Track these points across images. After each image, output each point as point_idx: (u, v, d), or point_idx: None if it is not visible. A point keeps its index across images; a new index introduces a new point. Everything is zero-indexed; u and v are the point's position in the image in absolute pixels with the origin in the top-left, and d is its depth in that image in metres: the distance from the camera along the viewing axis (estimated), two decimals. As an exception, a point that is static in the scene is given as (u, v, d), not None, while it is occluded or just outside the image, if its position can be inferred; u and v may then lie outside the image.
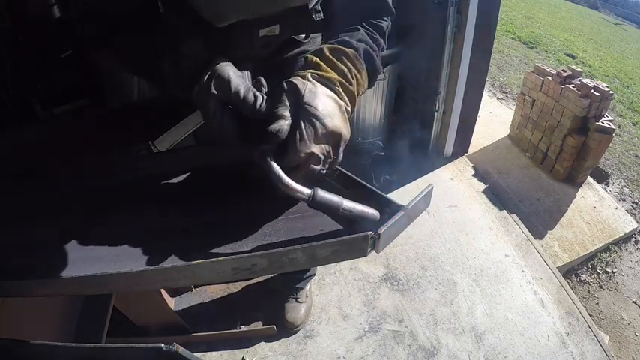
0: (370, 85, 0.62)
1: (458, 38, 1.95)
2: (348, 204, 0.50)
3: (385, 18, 0.68)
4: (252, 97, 0.50)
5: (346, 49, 0.57)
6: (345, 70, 0.55)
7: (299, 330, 1.43)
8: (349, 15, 0.65)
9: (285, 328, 1.42)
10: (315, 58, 0.55)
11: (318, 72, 0.54)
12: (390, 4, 0.69)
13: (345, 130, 0.53)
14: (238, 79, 0.52)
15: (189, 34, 0.55)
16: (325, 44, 0.58)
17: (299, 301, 1.45)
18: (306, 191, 0.49)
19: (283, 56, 0.77)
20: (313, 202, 0.49)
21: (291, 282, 1.46)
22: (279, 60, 0.76)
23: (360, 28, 0.63)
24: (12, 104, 1.98)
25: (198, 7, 0.52)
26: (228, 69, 0.52)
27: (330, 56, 0.55)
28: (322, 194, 0.49)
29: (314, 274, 1.52)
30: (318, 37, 0.80)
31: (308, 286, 1.51)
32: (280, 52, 0.56)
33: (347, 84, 0.55)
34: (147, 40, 0.59)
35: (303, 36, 0.69)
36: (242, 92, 0.50)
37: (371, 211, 0.51)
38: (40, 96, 1.97)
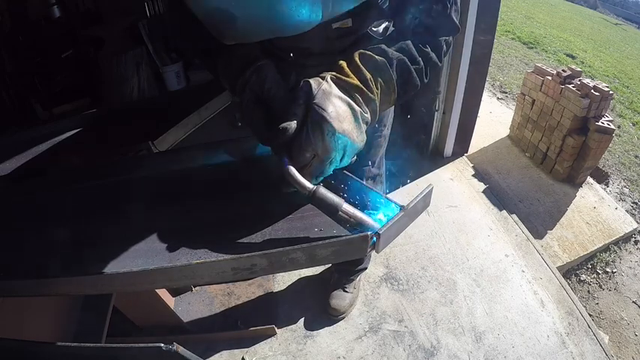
0: (402, 97, 0.61)
1: (458, 38, 1.95)
2: (348, 208, 0.50)
3: (446, 35, 0.65)
4: (281, 95, 0.56)
5: (376, 56, 0.56)
6: (368, 77, 0.55)
7: (342, 318, 1.47)
8: (406, 28, 0.64)
9: (329, 315, 1.46)
10: (341, 62, 0.56)
11: (339, 75, 0.54)
12: (456, 20, 0.66)
13: (354, 135, 0.52)
14: (274, 78, 0.57)
15: None
16: (358, 50, 0.57)
17: (346, 291, 1.48)
18: (309, 186, 0.50)
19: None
20: (313, 198, 0.50)
21: (343, 273, 1.48)
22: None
23: (410, 41, 0.61)
24: (12, 104, 1.98)
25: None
26: (268, 68, 0.57)
27: (358, 61, 0.55)
28: (324, 192, 0.50)
29: (365, 268, 1.53)
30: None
31: (357, 278, 1.53)
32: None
33: (367, 91, 0.54)
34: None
35: (380, 32, 0.69)
36: (273, 90, 0.56)
37: (371, 221, 0.50)
38: (40, 96, 1.98)
